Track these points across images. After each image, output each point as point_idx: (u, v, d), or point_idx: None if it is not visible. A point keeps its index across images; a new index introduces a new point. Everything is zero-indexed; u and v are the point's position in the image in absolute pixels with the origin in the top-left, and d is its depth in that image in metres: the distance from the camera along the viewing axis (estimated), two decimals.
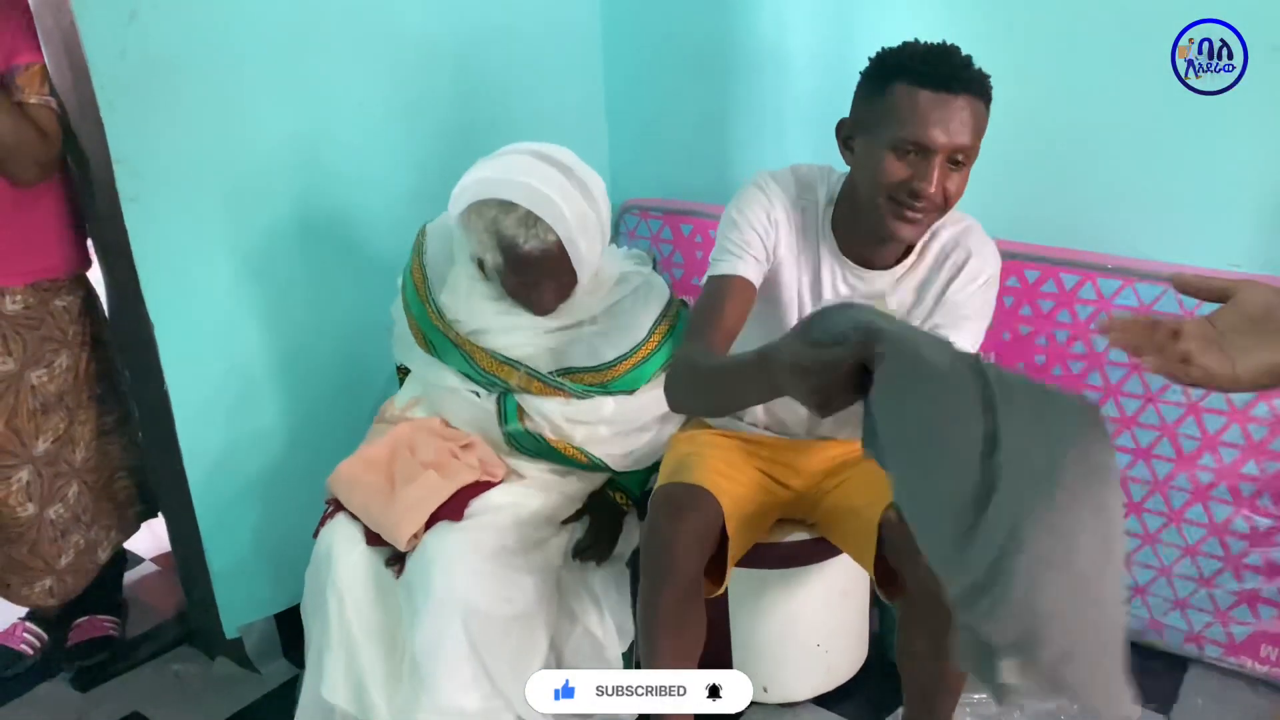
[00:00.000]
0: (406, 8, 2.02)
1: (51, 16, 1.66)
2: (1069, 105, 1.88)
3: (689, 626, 1.51)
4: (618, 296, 1.72)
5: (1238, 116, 1.72)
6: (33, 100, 1.71)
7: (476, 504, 1.62)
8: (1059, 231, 1.95)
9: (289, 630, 2.07)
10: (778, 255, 1.46)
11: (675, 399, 1.41)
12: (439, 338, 1.69)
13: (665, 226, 2.32)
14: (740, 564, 1.60)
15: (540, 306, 1.65)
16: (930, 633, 1.38)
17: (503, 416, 1.68)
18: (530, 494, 1.67)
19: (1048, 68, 1.88)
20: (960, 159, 1.30)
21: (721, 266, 1.43)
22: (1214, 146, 1.76)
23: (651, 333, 1.69)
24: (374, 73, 2.00)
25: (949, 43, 1.32)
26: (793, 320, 1.47)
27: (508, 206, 1.49)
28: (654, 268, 1.85)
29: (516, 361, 1.65)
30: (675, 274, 2.32)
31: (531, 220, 1.49)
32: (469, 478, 1.65)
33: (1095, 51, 1.82)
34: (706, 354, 1.34)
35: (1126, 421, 1.86)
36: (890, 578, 1.45)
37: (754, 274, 1.43)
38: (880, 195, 1.33)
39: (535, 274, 1.57)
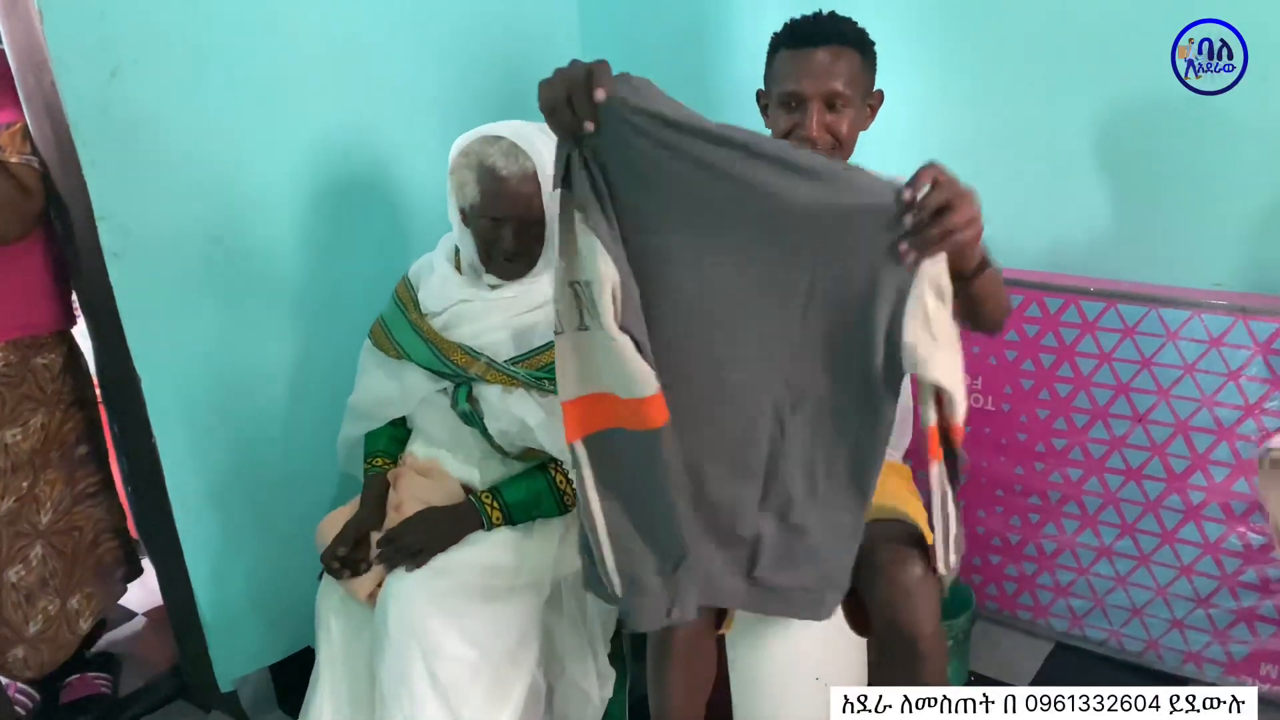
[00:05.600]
0: (385, 55, 2.03)
1: (33, 76, 1.66)
2: (1052, 121, 1.89)
3: (700, 663, 1.56)
4: None
5: (1222, 138, 1.73)
6: (14, 160, 1.71)
7: (440, 558, 1.61)
8: (1040, 255, 1.96)
9: (284, 682, 2.05)
10: None
11: None
12: (410, 336, 1.73)
13: None
14: None
15: (505, 252, 1.67)
16: (899, 668, 1.39)
17: (454, 400, 1.73)
18: (490, 551, 1.65)
19: (1036, 83, 1.90)
20: (838, 103, 1.47)
21: None
22: (1196, 166, 1.78)
23: None
24: (354, 124, 2.01)
25: (823, 11, 1.53)
26: None
27: (493, 139, 1.63)
28: None
29: (477, 351, 1.69)
30: None
31: (513, 150, 1.61)
32: None
33: (1090, 63, 1.83)
34: None
35: (1116, 443, 1.87)
36: (860, 612, 1.46)
37: None
38: None
39: (507, 206, 1.63)
